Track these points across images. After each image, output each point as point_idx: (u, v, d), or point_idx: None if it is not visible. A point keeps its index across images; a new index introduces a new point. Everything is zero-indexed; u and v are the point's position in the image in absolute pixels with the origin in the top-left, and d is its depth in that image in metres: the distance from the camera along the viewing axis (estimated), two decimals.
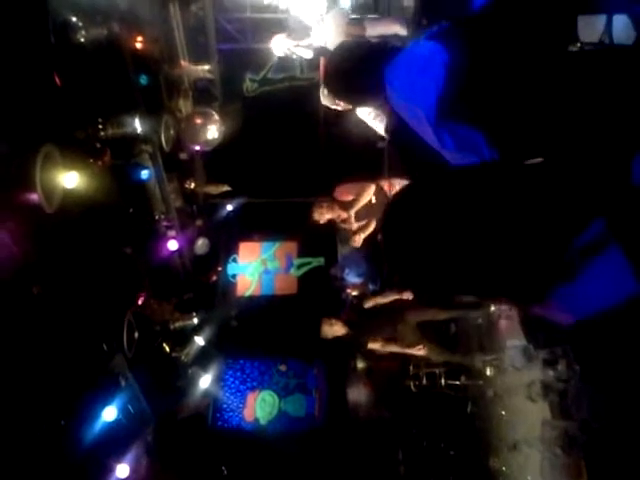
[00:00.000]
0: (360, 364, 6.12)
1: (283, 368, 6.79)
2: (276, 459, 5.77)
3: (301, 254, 7.77)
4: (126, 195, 4.82)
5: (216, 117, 5.09)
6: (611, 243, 1.23)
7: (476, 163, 1.75)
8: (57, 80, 3.48)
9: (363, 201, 4.93)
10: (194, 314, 5.48)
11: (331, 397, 6.58)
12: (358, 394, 6.41)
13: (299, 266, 7.70)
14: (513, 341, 4.55)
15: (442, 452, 5.25)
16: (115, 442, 4.23)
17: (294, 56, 5.50)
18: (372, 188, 4.96)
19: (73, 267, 3.84)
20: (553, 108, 1.71)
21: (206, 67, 5.22)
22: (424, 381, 5.38)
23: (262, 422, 6.46)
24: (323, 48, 5.24)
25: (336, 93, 2.52)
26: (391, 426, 5.94)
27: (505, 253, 1.23)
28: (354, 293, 6.68)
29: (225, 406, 6.49)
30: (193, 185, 5.85)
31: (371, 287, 6.96)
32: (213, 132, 5.10)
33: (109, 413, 4.13)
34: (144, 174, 5.13)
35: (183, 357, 5.41)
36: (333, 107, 3.15)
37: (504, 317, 5.53)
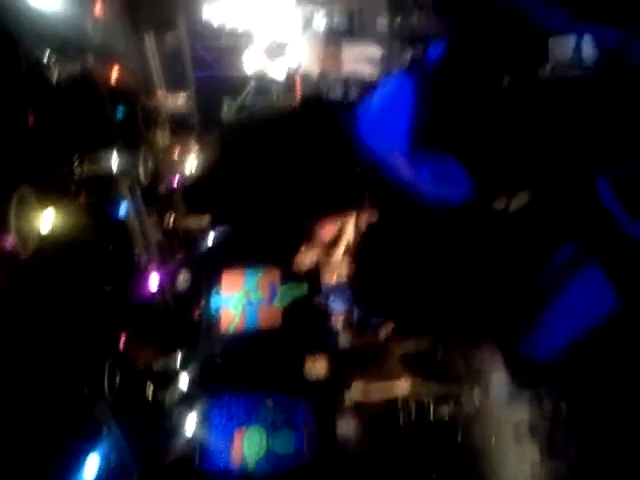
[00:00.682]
0: (347, 398, 6.00)
1: (270, 403, 6.60)
2: None
3: (285, 281, 7.61)
4: (105, 232, 4.67)
5: (194, 148, 4.97)
6: (586, 262, 1.23)
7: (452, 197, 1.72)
8: (31, 119, 3.33)
9: (347, 237, 4.89)
10: (177, 353, 5.30)
11: (319, 433, 6.41)
12: (347, 429, 6.25)
13: (283, 295, 7.53)
14: (498, 373, 4.52)
15: None
16: None
17: (267, 76, 5.47)
18: (352, 222, 4.93)
19: (51, 310, 3.68)
20: (521, 135, 1.70)
21: (182, 97, 5.10)
22: (413, 413, 5.31)
23: (250, 462, 6.25)
24: (296, 70, 5.23)
25: None
26: (381, 460, 5.80)
27: (477, 294, 1.18)
28: (339, 323, 6.54)
29: (212, 447, 6.27)
30: (173, 218, 5.70)
31: (356, 314, 6.86)
32: (192, 163, 4.97)
33: (91, 463, 3.95)
34: (122, 209, 4.97)
35: (167, 398, 5.21)
36: None
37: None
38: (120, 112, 4.57)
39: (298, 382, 6.29)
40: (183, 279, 6.10)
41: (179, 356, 5.38)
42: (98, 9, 3.92)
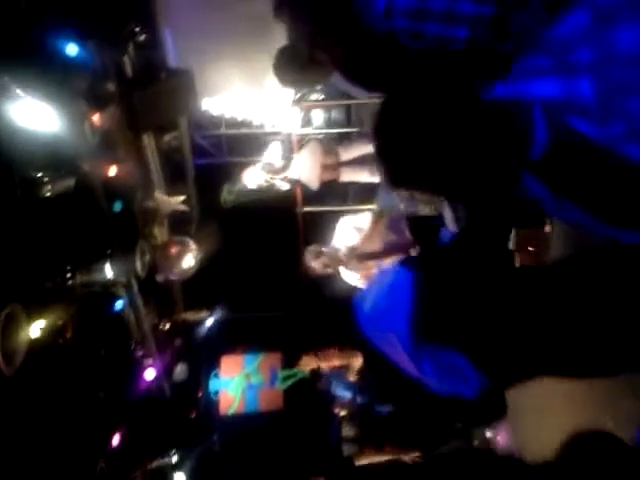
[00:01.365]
0: None
1: None
2: None
3: (286, 365, 7.49)
4: (99, 328, 4.60)
5: (192, 246, 4.96)
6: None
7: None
8: (23, 234, 3.35)
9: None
10: (173, 451, 5.14)
11: None
12: None
13: (284, 378, 7.40)
14: None
15: None
16: None
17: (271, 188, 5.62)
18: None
19: (40, 423, 3.61)
20: (528, 331, 1.66)
21: (181, 198, 5.14)
22: None
23: None
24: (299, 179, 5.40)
25: None
26: None
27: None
28: (342, 413, 6.37)
29: None
30: (172, 314, 5.66)
31: (359, 400, 6.70)
32: (189, 261, 4.95)
33: None
34: (118, 304, 4.93)
35: None
36: None
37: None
38: (117, 211, 4.59)
39: (302, 470, 6.08)
40: (180, 370, 5.99)
41: (175, 455, 5.20)
42: (96, 120, 3.99)
